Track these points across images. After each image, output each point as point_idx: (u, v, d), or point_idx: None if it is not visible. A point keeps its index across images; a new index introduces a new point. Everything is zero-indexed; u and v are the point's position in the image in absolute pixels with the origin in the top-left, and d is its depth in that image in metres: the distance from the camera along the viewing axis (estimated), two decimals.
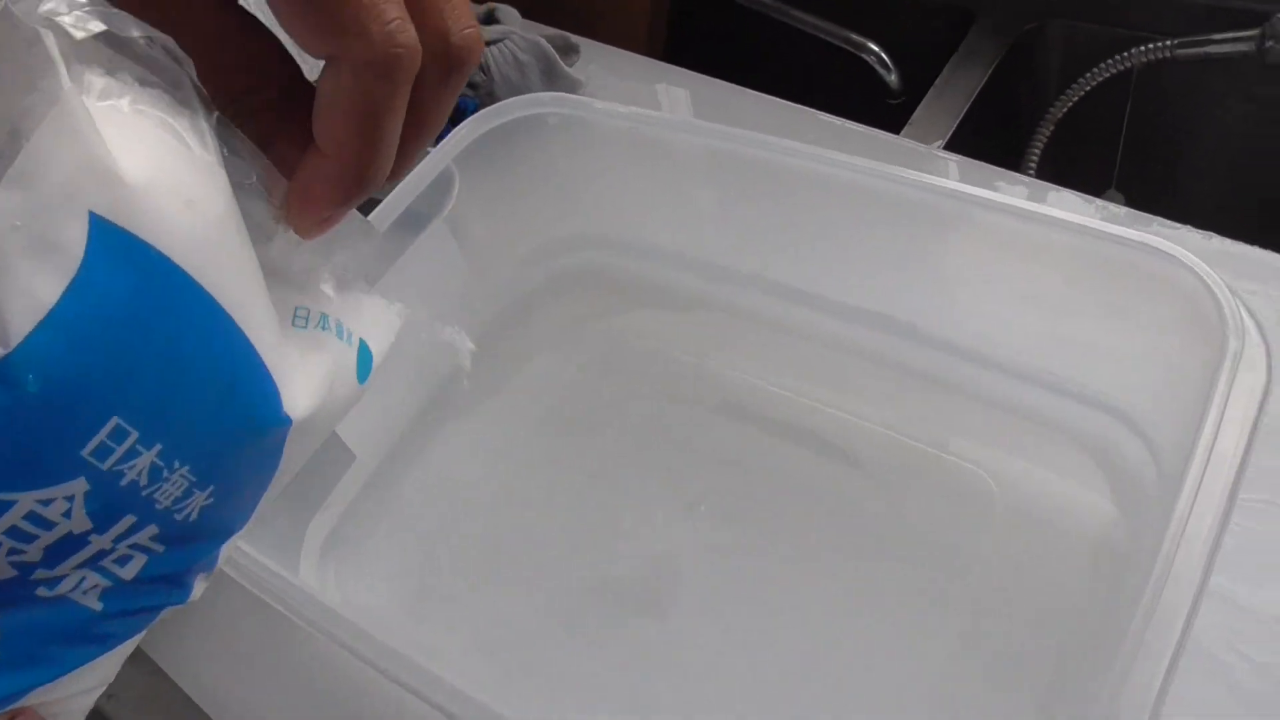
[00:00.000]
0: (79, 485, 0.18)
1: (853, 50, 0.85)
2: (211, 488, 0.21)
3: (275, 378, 0.21)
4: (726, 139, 0.49)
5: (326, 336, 0.23)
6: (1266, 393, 0.37)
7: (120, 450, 0.19)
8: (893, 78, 0.82)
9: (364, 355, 0.24)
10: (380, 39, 0.19)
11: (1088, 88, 0.79)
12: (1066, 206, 0.65)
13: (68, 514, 0.19)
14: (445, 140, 0.53)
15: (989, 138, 0.83)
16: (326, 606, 0.38)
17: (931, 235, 0.48)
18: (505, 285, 0.59)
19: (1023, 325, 0.48)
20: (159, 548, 0.21)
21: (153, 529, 0.20)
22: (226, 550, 0.24)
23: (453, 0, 0.21)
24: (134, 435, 0.19)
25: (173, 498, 0.20)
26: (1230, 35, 0.73)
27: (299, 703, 0.51)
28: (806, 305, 0.54)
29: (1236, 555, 0.46)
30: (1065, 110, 0.81)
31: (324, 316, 0.23)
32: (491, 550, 0.51)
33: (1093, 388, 0.48)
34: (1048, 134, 0.82)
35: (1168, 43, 0.76)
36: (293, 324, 0.22)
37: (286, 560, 0.51)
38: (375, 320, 0.25)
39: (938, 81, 0.81)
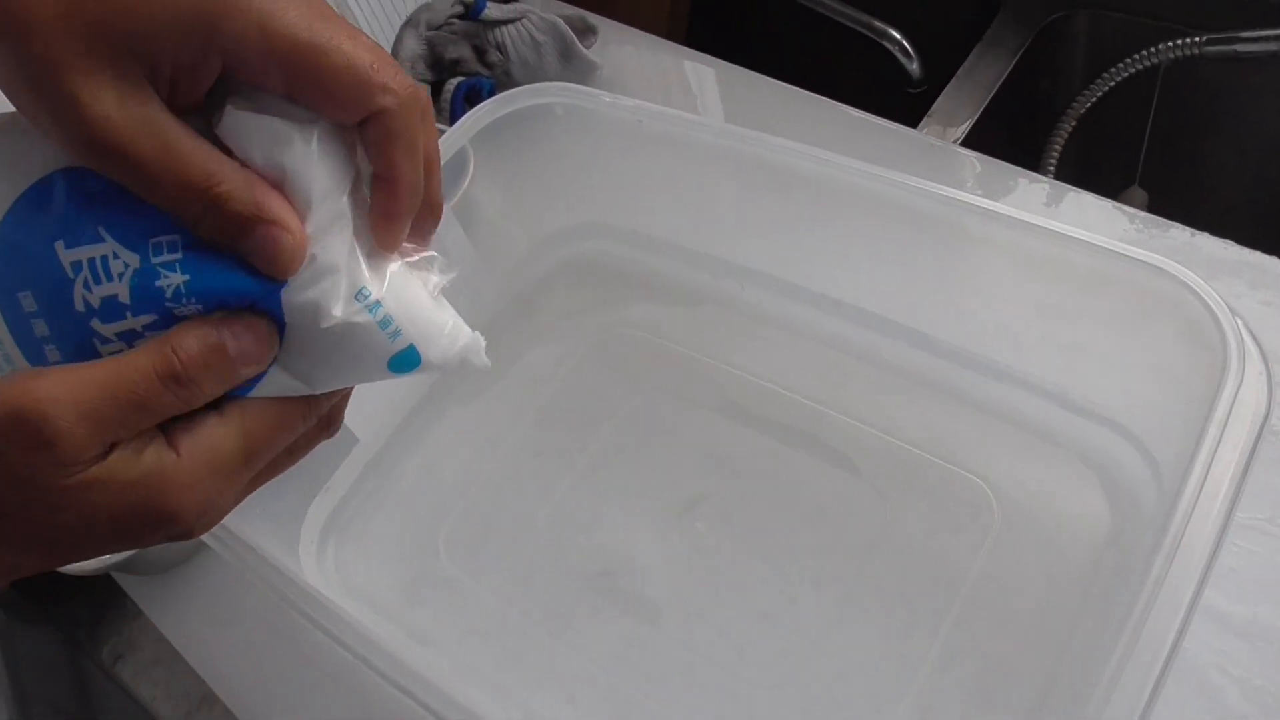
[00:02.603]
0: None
1: (874, 37, 0.83)
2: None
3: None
4: (735, 139, 0.49)
5: (365, 314, 0.28)
6: (1267, 417, 0.37)
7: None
8: (914, 66, 0.81)
9: (407, 353, 0.29)
10: (407, 85, 0.27)
11: (1112, 83, 0.78)
12: (1084, 210, 0.64)
13: None
14: (459, 123, 0.52)
15: (1011, 130, 0.82)
16: (312, 593, 0.38)
17: (940, 243, 0.47)
18: (512, 272, 0.59)
19: (1029, 336, 0.48)
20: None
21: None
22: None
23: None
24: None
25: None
26: (1260, 34, 0.71)
27: (293, 677, 0.51)
28: (811, 305, 0.54)
29: (1230, 575, 0.46)
30: (1089, 105, 0.80)
31: (377, 304, 0.28)
32: (487, 538, 0.51)
33: (1097, 402, 0.47)
34: (1070, 128, 0.80)
35: (1197, 39, 0.74)
36: (355, 298, 0.28)
37: (286, 540, 0.51)
38: (434, 333, 0.29)
39: (960, 71, 0.79)
